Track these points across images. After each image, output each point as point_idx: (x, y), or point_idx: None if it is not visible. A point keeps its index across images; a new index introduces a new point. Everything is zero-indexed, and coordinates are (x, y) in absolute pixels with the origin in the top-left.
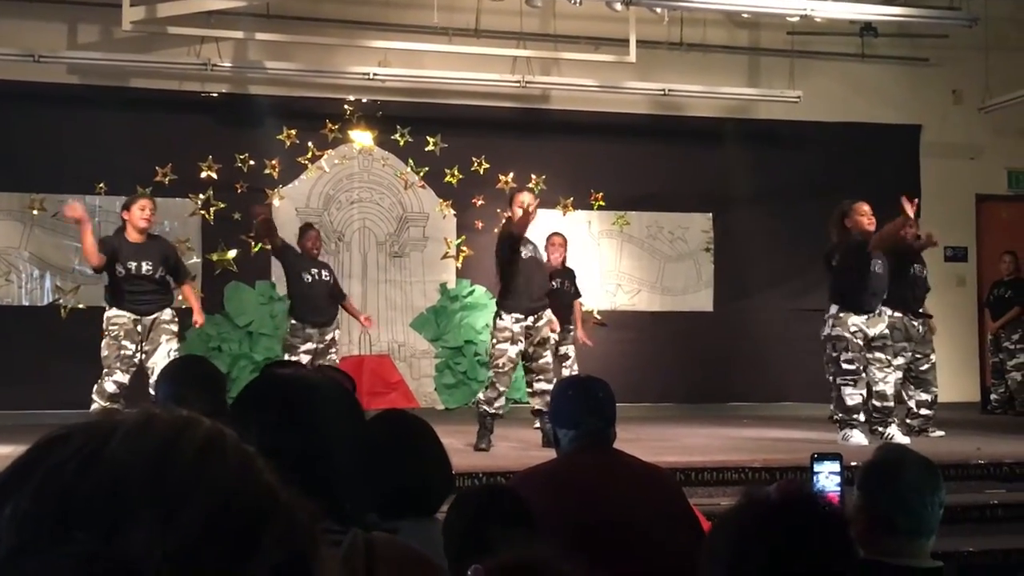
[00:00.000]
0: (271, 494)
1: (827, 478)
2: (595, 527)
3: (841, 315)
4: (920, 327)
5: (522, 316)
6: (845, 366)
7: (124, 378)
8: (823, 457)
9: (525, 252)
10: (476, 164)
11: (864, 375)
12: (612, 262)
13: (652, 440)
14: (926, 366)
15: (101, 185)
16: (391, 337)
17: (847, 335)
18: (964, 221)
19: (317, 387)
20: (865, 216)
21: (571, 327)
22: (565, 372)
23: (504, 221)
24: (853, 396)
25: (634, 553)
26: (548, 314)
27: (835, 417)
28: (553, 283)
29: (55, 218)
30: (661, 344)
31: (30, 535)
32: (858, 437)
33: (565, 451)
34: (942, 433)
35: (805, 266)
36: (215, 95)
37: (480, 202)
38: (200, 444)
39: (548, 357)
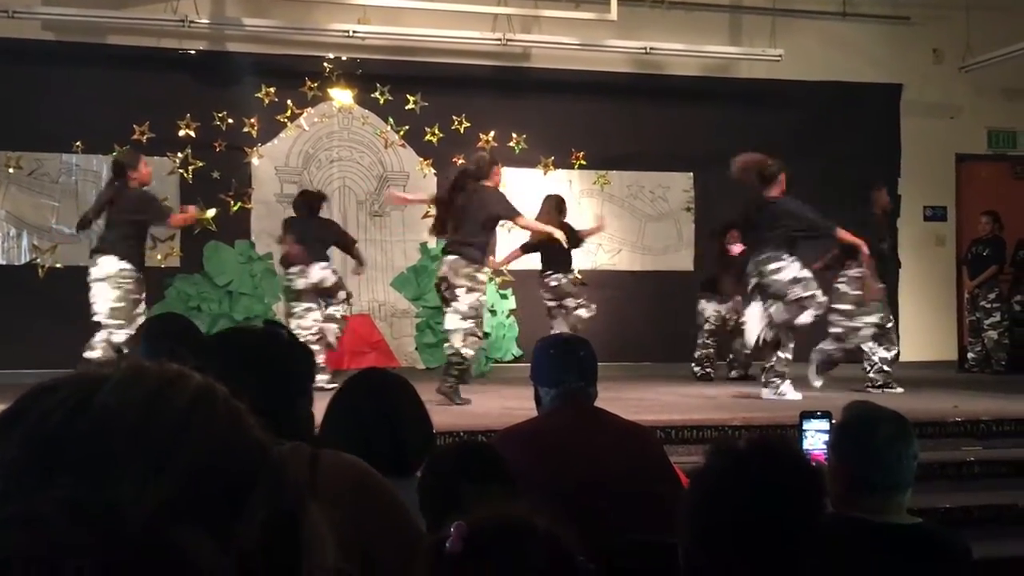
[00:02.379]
0: (261, 449)
1: (814, 437)
2: (575, 484)
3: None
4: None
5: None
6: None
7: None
8: (810, 415)
9: None
10: (456, 123)
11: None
12: (593, 221)
13: (632, 399)
14: (889, 324)
15: (78, 143)
16: (372, 296)
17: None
18: (944, 181)
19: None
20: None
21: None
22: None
23: (462, 170)
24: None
25: (615, 510)
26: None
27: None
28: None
29: (31, 176)
30: (642, 303)
31: (15, 480)
32: (790, 392)
33: (546, 409)
34: (901, 390)
35: None
36: (193, 52)
37: (461, 161)
38: (191, 396)
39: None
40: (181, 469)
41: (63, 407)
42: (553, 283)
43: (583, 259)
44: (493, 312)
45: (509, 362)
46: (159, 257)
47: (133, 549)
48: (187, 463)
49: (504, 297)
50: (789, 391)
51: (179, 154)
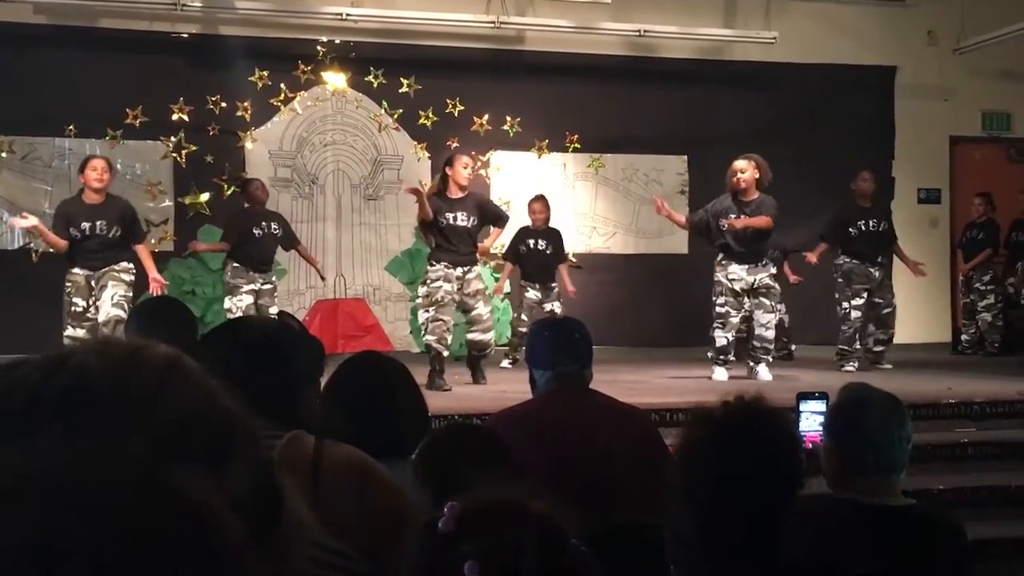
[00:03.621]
0: (234, 417)
1: (810, 418)
2: (570, 466)
3: (724, 263)
4: (877, 273)
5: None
6: (717, 309)
7: (78, 332)
8: (807, 396)
9: (452, 218)
10: (451, 106)
11: (734, 319)
12: (587, 204)
13: (627, 381)
14: (887, 309)
15: (71, 127)
16: (366, 280)
17: (724, 281)
18: (938, 163)
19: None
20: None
21: (553, 285)
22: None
23: (439, 177)
24: (720, 338)
25: (609, 492)
26: (477, 269)
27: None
28: (529, 243)
29: (24, 160)
30: (636, 287)
31: (3, 436)
32: (720, 374)
33: (541, 392)
34: (890, 366)
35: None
36: (186, 36)
37: (455, 144)
38: (163, 361)
39: (481, 309)
40: (166, 419)
41: (41, 369)
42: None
43: (577, 242)
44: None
45: (503, 345)
46: (153, 241)
47: (134, 489)
48: (169, 416)
49: (497, 280)
50: (719, 372)
51: (172, 138)
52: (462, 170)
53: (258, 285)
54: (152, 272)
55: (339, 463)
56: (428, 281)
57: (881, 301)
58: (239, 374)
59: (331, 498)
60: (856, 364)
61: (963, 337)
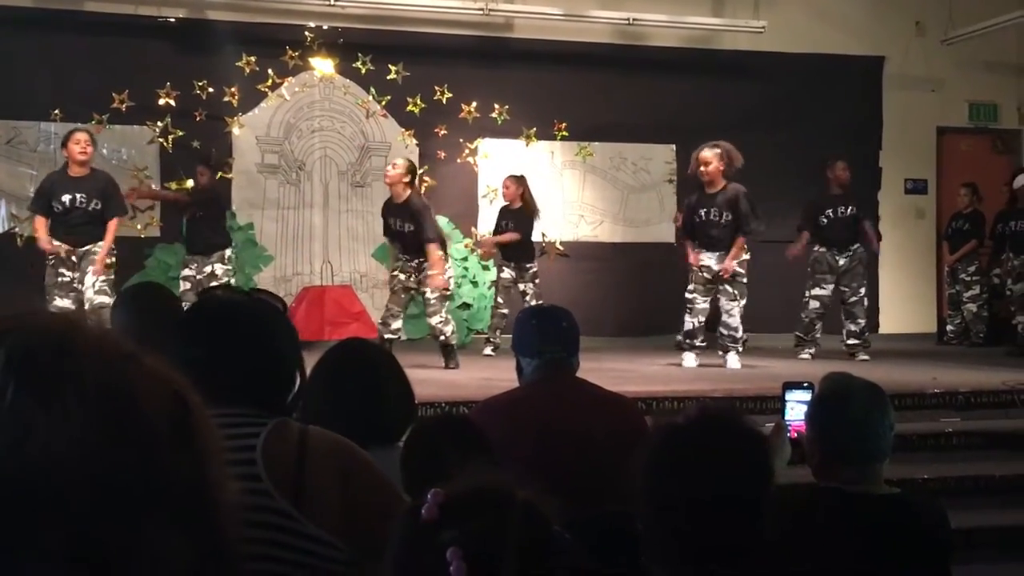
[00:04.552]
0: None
1: (796, 408)
2: (556, 454)
3: (696, 251)
4: (842, 260)
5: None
6: (686, 295)
7: (64, 303)
8: (793, 386)
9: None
10: (439, 93)
11: (701, 305)
12: (575, 193)
13: (613, 370)
14: (853, 299)
15: (56, 112)
16: (353, 267)
17: (695, 269)
18: (925, 153)
19: (246, 308)
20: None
21: (528, 265)
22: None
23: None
24: (687, 323)
25: (595, 480)
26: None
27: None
28: (502, 224)
29: (9, 145)
30: (623, 275)
31: None
32: (689, 360)
33: (527, 380)
34: (867, 358)
35: (767, 197)
36: (172, 20)
37: (443, 132)
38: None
39: (429, 294)
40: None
41: None
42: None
43: (565, 230)
44: (475, 284)
45: (483, 333)
46: (139, 227)
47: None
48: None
49: (486, 269)
50: (687, 359)
51: (159, 123)
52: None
53: (193, 271)
54: (102, 254)
55: (325, 450)
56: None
57: (846, 290)
58: (222, 359)
59: (317, 485)
60: (813, 352)
61: (948, 327)
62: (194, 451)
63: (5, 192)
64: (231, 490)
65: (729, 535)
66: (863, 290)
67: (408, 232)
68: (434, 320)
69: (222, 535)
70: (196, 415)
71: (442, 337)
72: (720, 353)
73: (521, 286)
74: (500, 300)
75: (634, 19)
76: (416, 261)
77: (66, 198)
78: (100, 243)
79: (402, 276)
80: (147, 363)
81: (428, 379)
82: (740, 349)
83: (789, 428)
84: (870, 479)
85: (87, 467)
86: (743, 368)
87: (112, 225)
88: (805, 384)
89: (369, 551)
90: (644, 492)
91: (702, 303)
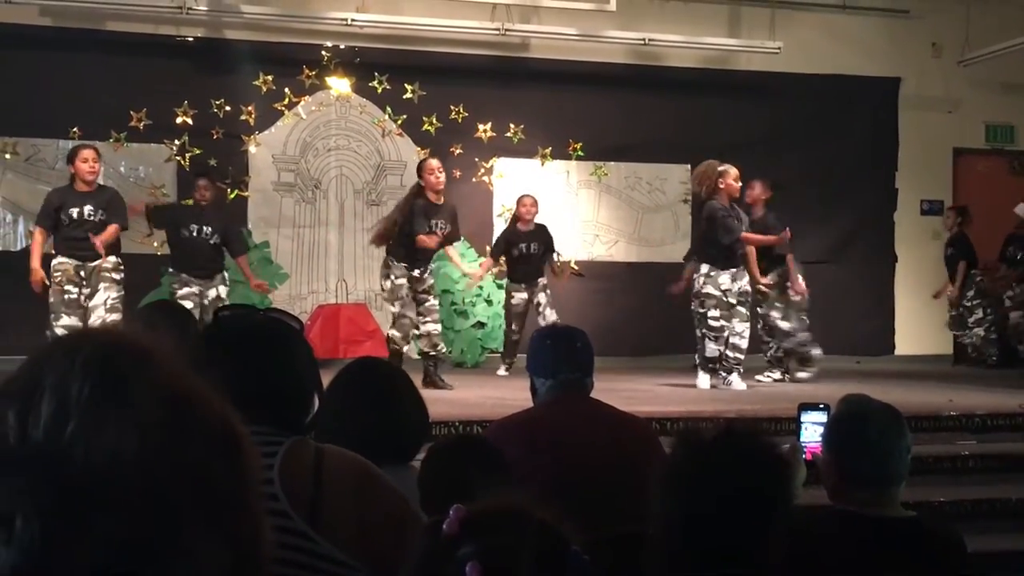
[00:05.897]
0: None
1: (812, 429)
2: (570, 475)
3: (712, 274)
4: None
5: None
6: (711, 323)
7: (71, 321)
8: (809, 407)
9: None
10: (454, 112)
11: (726, 332)
12: (590, 212)
13: (628, 390)
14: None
15: (75, 129)
16: (368, 286)
17: (716, 293)
18: (941, 175)
19: (264, 328)
20: (736, 181)
21: (539, 280)
22: (542, 322)
23: (416, 187)
24: (713, 350)
25: (609, 501)
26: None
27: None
28: (521, 247)
29: (28, 162)
30: (638, 295)
31: None
32: (703, 381)
33: (542, 400)
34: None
35: (783, 218)
36: (191, 39)
37: (458, 151)
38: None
39: (432, 301)
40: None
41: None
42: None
43: (580, 250)
44: (489, 303)
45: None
46: (155, 244)
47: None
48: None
49: (500, 287)
50: (703, 380)
51: (176, 141)
52: (428, 176)
53: (195, 288)
54: (105, 236)
55: (341, 469)
56: (393, 277)
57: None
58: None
59: (333, 504)
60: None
61: (965, 341)
62: (240, 463)
63: (24, 210)
64: (265, 504)
65: (743, 552)
66: (773, 312)
67: (442, 233)
68: (438, 327)
69: (259, 545)
70: (240, 430)
71: (440, 347)
72: (723, 374)
73: (536, 299)
74: (515, 327)
75: (650, 39)
76: (418, 271)
77: (74, 211)
78: (108, 259)
79: (407, 284)
80: (202, 379)
81: (440, 397)
82: (741, 370)
83: (804, 449)
84: (886, 502)
85: (148, 466)
86: (759, 388)
87: (112, 228)
88: (821, 405)
89: (384, 569)
90: (662, 502)
91: (727, 329)
